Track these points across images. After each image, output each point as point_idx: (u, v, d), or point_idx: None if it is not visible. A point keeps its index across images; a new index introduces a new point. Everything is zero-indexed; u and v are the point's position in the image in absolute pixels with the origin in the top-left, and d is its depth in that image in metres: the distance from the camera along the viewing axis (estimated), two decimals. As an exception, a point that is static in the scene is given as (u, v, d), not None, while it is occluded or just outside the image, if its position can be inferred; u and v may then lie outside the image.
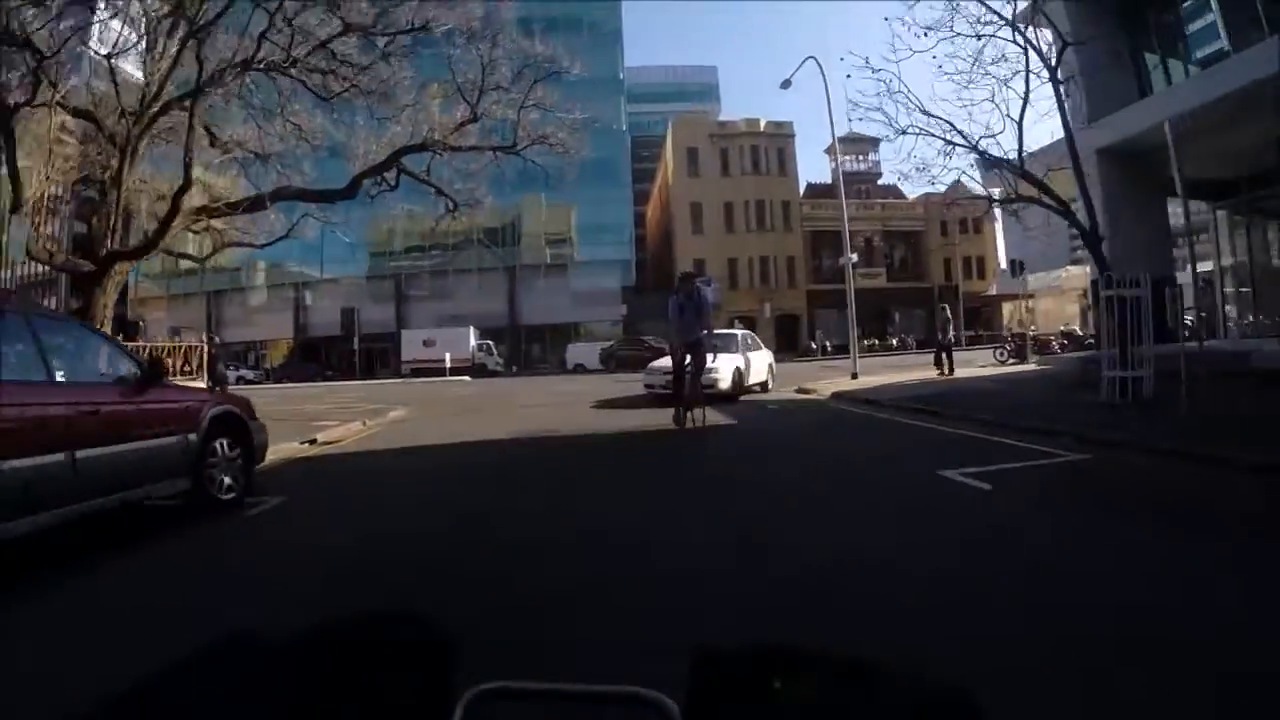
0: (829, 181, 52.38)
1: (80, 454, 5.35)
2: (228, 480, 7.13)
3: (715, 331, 13.84)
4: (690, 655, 0.78)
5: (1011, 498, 6.44)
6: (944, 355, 21.69)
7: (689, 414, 12.34)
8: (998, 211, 22.14)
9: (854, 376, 21.26)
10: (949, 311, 22.95)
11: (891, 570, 4.49)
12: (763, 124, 57.79)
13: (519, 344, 55.77)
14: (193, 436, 6.75)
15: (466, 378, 40.57)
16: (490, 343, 49.67)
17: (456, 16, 18.29)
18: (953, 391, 15.58)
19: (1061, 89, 14.64)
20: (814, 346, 50.63)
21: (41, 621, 4.26)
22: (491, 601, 4.09)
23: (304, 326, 56.78)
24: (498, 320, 54.26)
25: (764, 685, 0.74)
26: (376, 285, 56.34)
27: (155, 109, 15.63)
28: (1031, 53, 14.65)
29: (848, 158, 56.14)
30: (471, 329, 48.68)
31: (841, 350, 40.39)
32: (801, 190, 59.88)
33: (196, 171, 16.99)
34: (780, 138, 58.15)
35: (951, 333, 22.98)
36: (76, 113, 15.93)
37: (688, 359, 12.54)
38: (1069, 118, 15.32)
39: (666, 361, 15.90)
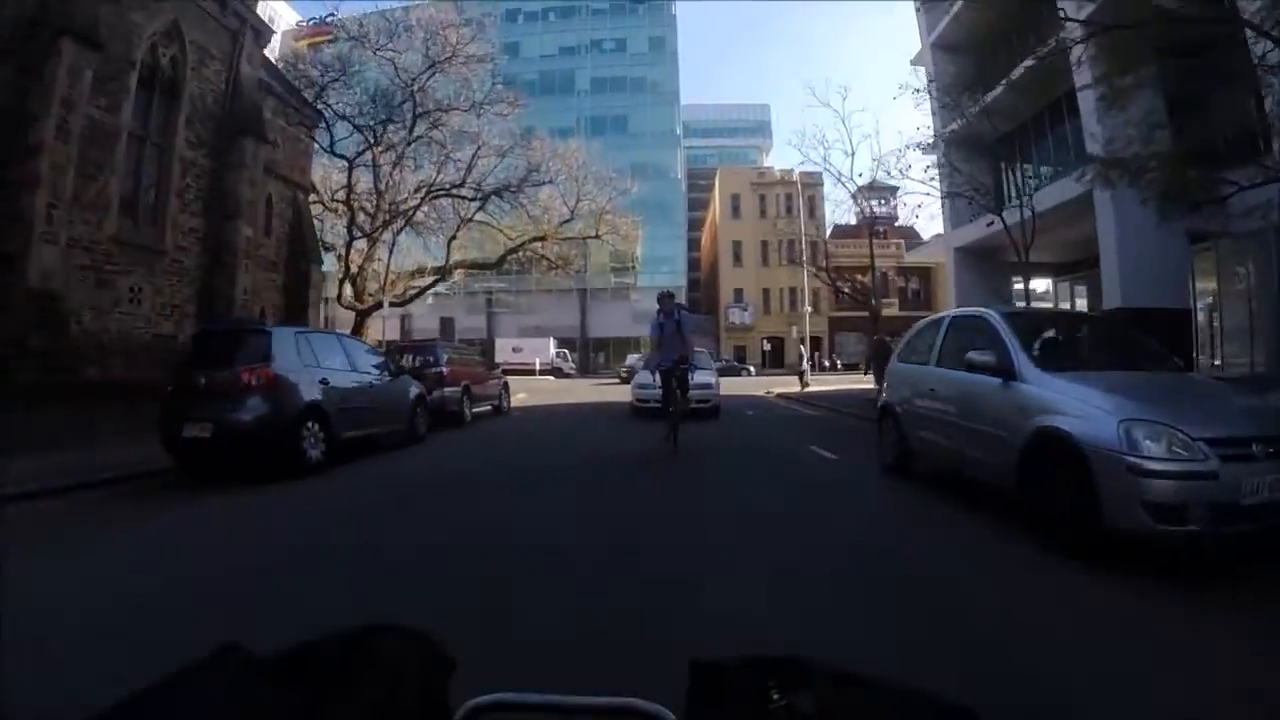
0: (854, 223, 62.51)
1: (476, 386, 17.88)
2: (505, 405, 20.02)
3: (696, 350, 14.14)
4: (688, 667, 0.80)
5: (759, 418, 19.00)
6: (802, 376, 32.00)
7: (673, 433, 12.29)
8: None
9: (804, 386, 32.74)
10: (802, 347, 33.87)
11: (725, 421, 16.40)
12: (795, 174, 68.55)
13: (587, 352, 67.72)
14: (499, 386, 19.38)
15: (550, 377, 51.98)
16: (566, 350, 61.80)
17: (566, 166, 30.95)
18: (815, 394, 27.24)
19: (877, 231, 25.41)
20: (826, 364, 61.63)
21: (454, 441, 14.64)
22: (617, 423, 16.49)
23: (409, 331, 68.33)
24: (570, 332, 66.15)
25: (761, 696, 0.75)
26: (469, 299, 67.01)
27: (390, 219, 28.37)
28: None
29: (872, 202, 66.73)
30: (551, 339, 60.84)
31: (852, 367, 51.52)
32: (829, 230, 70.75)
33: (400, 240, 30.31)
34: (810, 186, 68.39)
35: (806, 362, 32.91)
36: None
37: (672, 379, 12.54)
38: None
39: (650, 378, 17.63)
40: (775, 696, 0.75)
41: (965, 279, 28.41)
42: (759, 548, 5.94)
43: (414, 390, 13.60)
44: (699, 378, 16.87)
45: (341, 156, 27.20)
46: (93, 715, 0.70)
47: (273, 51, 27.32)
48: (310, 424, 9.78)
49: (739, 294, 67.92)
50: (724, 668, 0.81)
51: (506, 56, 69.44)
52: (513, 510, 7.56)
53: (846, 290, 31.01)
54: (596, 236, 33.51)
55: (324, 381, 10.28)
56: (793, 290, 67.48)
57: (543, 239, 31.51)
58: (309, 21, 54.89)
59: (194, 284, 19.27)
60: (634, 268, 68.00)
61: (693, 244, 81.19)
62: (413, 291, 30.31)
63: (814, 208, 69.68)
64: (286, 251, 23.48)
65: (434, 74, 28.34)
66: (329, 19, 53.91)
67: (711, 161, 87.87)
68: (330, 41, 57.41)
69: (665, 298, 12.96)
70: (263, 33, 22.18)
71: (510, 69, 63.16)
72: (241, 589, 4.83)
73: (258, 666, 0.82)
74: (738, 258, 68.97)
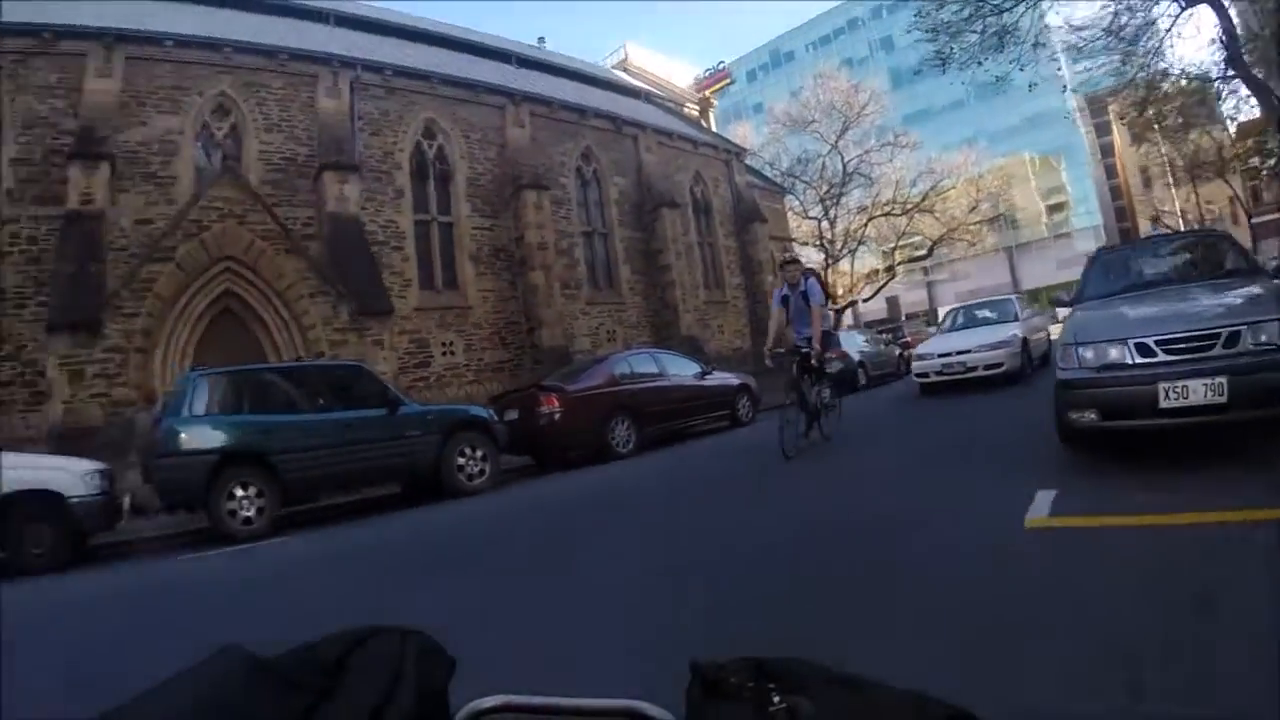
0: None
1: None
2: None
3: (825, 330, 10.92)
4: (689, 667, 0.82)
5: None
6: None
7: (816, 425, 10.31)
8: None
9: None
10: None
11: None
12: (1184, 84, 69.97)
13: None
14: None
15: (989, 334, 61.11)
16: (1002, 307, 69.70)
17: (963, 169, 41.28)
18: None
19: None
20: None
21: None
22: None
23: (861, 315, 78.46)
24: (1006, 289, 73.30)
25: (762, 699, 0.77)
26: (907, 276, 72.04)
27: (845, 242, 40.31)
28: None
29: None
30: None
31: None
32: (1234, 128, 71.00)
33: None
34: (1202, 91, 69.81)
35: None
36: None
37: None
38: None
39: (936, 344, 16.45)
40: (776, 699, 0.76)
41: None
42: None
43: (897, 351, 25.06)
44: (992, 334, 15.40)
45: (813, 218, 40.35)
46: (92, 717, 0.71)
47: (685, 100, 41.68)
48: (858, 370, 21.49)
49: (1155, 220, 71.27)
50: (724, 669, 0.81)
51: (883, 52, 78.64)
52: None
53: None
54: (999, 217, 43.39)
55: (861, 352, 22.17)
56: (1210, 203, 69.35)
57: (954, 229, 42.06)
58: (707, 73, 67.69)
59: (744, 316, 32.23)
60: (1065, 210, 73.98)
61: (1111, 171, 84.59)
62: (872, 289, 42.80)
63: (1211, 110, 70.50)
64: (786, 284, 36.29)
65: (846, 131, 40.14)
66: (721, 66, 67.40)
67: (1108, 82, 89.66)
68: (730, 84, 70.57)
69: (789, 265, 10.86)
70: (740, 154, 35.24)
71: (892, 61, 72.14)
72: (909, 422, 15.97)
73: (258, 668, 0.83)
74: (1147, 183, 72.02)
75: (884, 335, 26.97)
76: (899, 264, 43.62)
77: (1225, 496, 4.59)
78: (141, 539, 11.34)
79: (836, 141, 39.69)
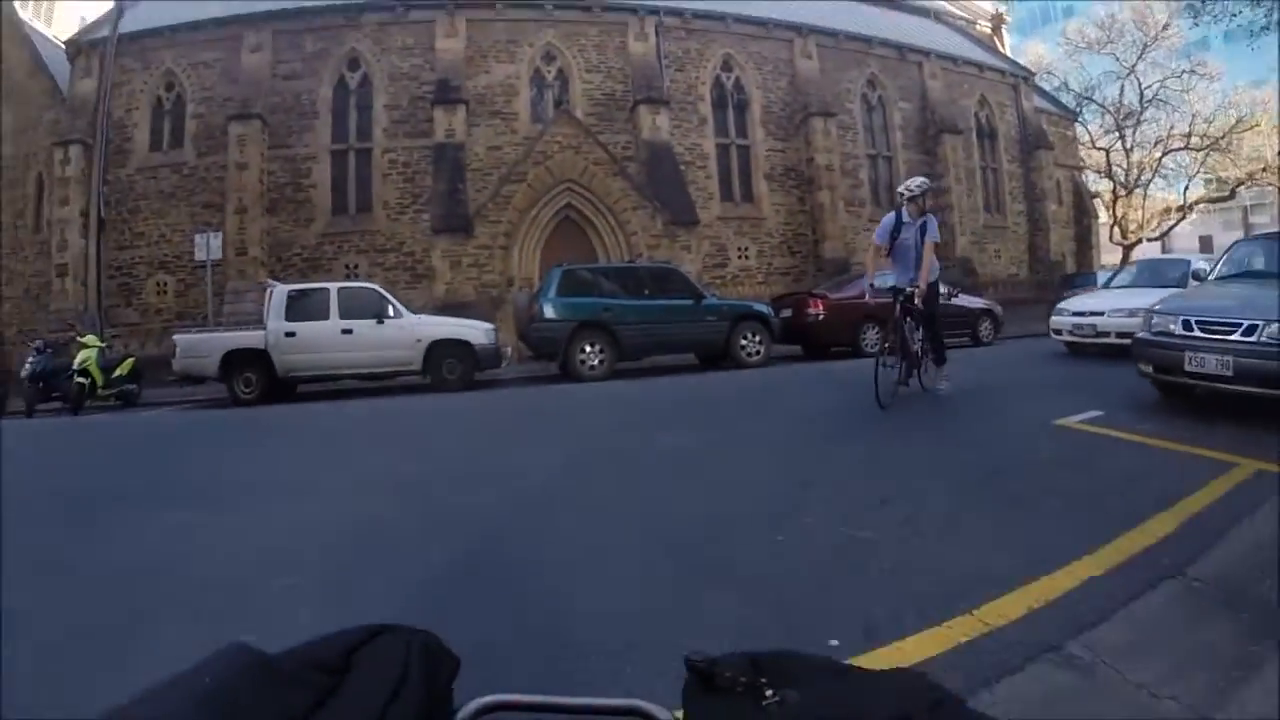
0: None
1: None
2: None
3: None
4: (684, 664, 0.84)
5: None
6: None
7: (915, 373, 8.95)
8: None
9: None
10: None
11: None
12: None
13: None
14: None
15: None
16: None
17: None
18: None
19: None
20: None
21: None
22: None
23: (1170, 250, 69.13)
24: (1325, 240, 65.75)
25: (756, 693, 0.78)
26: (1224, 214, 68.08)
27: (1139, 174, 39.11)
28: None
29: None
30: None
31: None
32: None
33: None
34: None
35: None
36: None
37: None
38: None
39: (1079, 301, 14.10)
40: (769, 693, 0.77)
41: None
42: None
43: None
44: (1138, 298, 11.84)
45: (1101, 148, 39.00)
46: (96, 716, 0.70)
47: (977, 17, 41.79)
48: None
49: None
50: (718, 665, 0.82)
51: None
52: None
53: None
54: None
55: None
56: None
57: (1255, 173, 39.07)
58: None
59: (1022, 243, 32.66)
60: None
61: None
62: (1165, 226, 40.72)
63: None
64: (1074, 213, 36.19)
65: (1144, 55, 38.24)
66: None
67: None
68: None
69: (919, 196, 8.93)
70: (1029, 78, 35.38)
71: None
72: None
73: (263, 666, 0.82)
74: None
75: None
76: (1193, 204, 41.13)
77: (1203, 437, 6.22)
78: (512, 378, 16.57)
79: (1135, 65, 38.07)
